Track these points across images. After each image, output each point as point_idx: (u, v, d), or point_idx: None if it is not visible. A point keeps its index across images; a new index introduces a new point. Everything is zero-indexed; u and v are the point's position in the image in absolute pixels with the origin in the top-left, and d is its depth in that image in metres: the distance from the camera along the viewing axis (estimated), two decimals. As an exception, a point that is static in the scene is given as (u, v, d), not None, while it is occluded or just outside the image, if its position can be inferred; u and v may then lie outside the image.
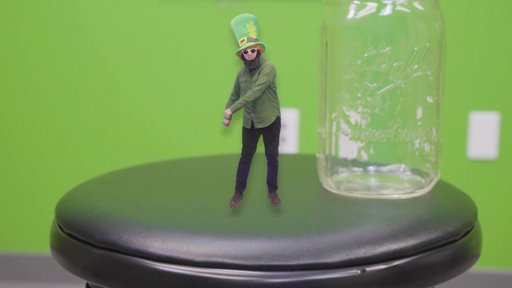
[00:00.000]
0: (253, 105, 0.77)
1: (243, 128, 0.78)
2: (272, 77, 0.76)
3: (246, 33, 0.76)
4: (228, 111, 0.76)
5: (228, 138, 1.81)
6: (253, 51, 0.75)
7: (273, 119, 0.77)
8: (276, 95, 0.77)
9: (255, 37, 0.76)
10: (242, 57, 0.76)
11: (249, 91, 0.76)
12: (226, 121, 0.77)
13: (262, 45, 0.76)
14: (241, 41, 0.76)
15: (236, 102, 0.76)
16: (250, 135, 0.78)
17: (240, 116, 0.79)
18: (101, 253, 0.76)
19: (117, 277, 0.74)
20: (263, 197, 0.82)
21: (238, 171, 0.80)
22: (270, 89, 0.77)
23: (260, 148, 0.79)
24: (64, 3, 1.80)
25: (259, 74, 0.76)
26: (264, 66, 0.76)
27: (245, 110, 0.78)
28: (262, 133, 0.78)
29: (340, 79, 0.85)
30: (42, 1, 1.80)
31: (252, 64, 0.76)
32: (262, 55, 0.77)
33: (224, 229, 0.74)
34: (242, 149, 0.79)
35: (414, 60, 0.84)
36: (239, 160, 0.79)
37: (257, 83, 0.76)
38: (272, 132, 0.78)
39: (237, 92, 0.79)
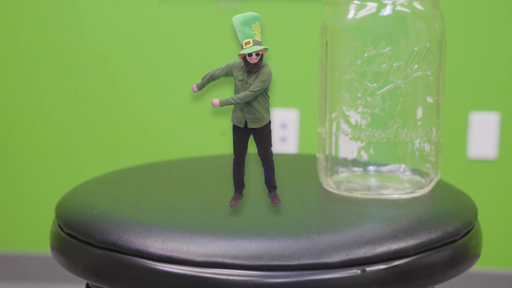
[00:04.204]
0: (249, 106, 0.76)
1: (234, 128, 0.78)
2: (268, 84, 0.75)
3: (252, 35, 0.74)
4: (217, 102, 0.75)
5: (227, 138, 1.81)
6: (257, 54, 0.74)
7: (267, 121, 0.77)
8: (268, 98, 0.77)
9: (259, 39, 0.74)
10: (244, 59, 0.75)
11: (243, 92, 0.75)
12: (196, 88, 0.78)
13: (266, 49, 0.75)
14: (246, 43, 0.74)
15: (229, 98, 0.75)
16: (241, 135, 0.78)
17: (229, 117, 0.79)
18: (101, 253, 0.76)
19: (117, 277, 0.74)
20: (263, 197, 0.82)
21: (234, 172, 0.79)
22: (265, 93, 0.76)
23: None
24: (64, 3, 1.80)
25: (256, 78, 0.75)
26: (262, 72, 0.75)
27: (238, 109, 0.77)
28: (252, 134, 0.78)
29: (340, 79, 0.85)
30: (42, 1, 1.80)
31: (254, 67, 0.75)
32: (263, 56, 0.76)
33: (224, 229, 0.74)
34: (234, 149, 0.79)
35: (414, 60, 0.84)
36: (232, 161, 0.79)
37: (252, 88, 0.75)
38: (263, 132, 0.77)
39: (218, 74, 0.78)
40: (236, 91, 0.76)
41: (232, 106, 0.77)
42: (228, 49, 1.77)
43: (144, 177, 0.94)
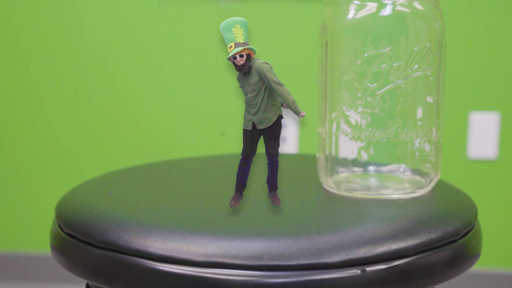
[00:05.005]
0: (255, 107, 0.76)
1: (244, 130, 0.78)
2: (271, 70, 0.75)
3: (233, 38, 0.75)
4: (303, 113, 0.75)
5: (227, 138, 1.81)
6: (241, 56, 0.75)
7: (274, 118, 0.77)
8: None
9: (242, 41, 0.75)
10: (233, 63, 0.75)
11: (279, 92, 0.75)
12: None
13: (250, 49, 0.75)
14: (229, 47, 0.75)
15: (291, 104, 0.75)
16: (250, 136, 0.78)
17: (240, 117, 0.79)
18: (101, 253, 0.76)
19: (117, 277, 0.74)
20: (263, 197, 0.82)
21: (238, 171, 0.79)
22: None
23: (261, 148, 0.79)
24: (64, 3, 1.80)
25: (255, 75, 0.75)
26: (256, 67, 0.75)
27: (246, 111, 0.77)
28: (262, 133, 0.78)
29: (340, 79, 0.85)
30: (42, 1, 1.80)
31: (243, 68, 0.75)
32: (254, 57, 0.76)
33: (224, 229, 0.74)
34: (243, 150, 0.79)
35: (414, 60, 0.84)
36: (239, 160, 0.79)
37: (272, 83, 0.74)
38: (273, 132, 0.77)
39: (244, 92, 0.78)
40: (245, 97, 0.77)
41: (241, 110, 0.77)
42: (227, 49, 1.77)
43: (144, 177, 0.94)
